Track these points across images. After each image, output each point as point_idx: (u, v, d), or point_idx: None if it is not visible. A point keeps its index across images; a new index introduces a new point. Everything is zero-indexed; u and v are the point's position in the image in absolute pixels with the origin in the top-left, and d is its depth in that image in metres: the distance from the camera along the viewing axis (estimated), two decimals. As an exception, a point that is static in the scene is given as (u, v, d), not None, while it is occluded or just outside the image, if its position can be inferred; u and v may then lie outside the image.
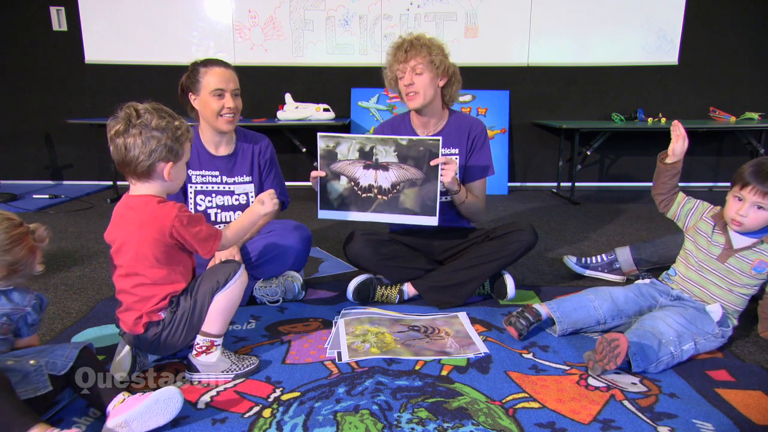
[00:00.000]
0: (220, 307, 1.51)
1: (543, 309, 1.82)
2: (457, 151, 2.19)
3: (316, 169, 1.99)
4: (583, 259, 2.47)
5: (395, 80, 2.16)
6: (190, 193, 2.12)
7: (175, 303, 1.51)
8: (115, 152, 1.45)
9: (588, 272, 2.44)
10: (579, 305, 1.80)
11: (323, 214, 2.03)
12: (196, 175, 2.11)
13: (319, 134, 1.97)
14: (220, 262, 1.62)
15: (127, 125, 1.43)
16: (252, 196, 2.18)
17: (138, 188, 1.50)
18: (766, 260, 1.69)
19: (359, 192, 1.99)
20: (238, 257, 2.00)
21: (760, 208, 1.64)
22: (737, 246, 1.73)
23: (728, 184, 1.74)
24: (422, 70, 2.05)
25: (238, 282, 1.53)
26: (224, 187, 2.14)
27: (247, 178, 2.17)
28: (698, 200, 1.87)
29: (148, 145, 1.42)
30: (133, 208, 1.49)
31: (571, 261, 2.48)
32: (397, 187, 1.97)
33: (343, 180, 1.99)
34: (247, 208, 2.16)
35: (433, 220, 1.96)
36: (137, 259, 1.47)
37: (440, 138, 1.92)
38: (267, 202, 1.67)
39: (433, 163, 1.92)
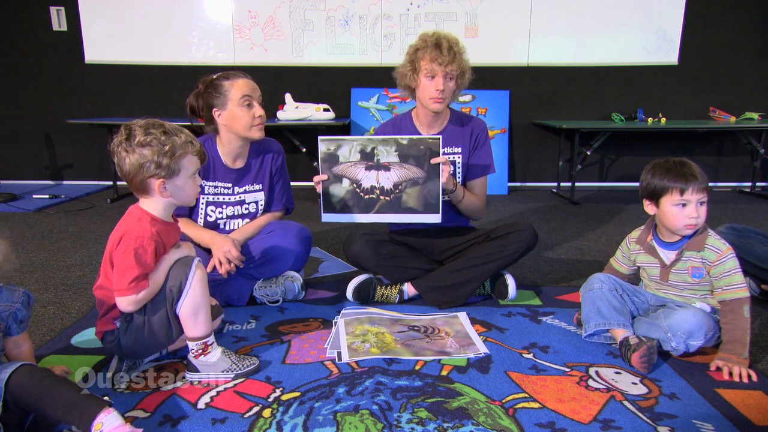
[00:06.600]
0: (189, 313, 1.50)
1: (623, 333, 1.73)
2: (459, 150, 2.19)
3: (317, 172, 1.98)
4: None
5: (414, 72, 2.07)
6: (201, 204, 2.09)
7: (128, 314, 1.51)
8: (116, 167, 1.50)
9: None
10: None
11: (327, 218, 2.03)
12: (209, 186, 2.09)
13: (319, 138, 1.97)
14: (172, 266, 1.52)
15: (120, 142, 1.46)
16: (261, 204, 2.18)
17: (142, 201, 1.52)
18: (696, 265, 1.70)
19: (362, 194, 1.99)
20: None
21: (701, 203, 1.66)
22: (668, 261, 1.75)
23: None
24: (453, 77, 2.04)
25: (195, 282, 1.50)
26: (235, 198, 2.13)
27: (258, 186, 2.16)
28: (618, 249, 1.91)
29: (136, 162, 1.44)
30: (125, 214, 1.53)
31: None
32: (399, 186, 1.97)
33: (345, 182, 1.99)
34: (255, 216, 2.17)
35: (436, 218, 1.97)
36: (105, 260, 1.50)
37: (440, 137, 1.93)
38: (183, 248, 1.59)
39: (433, 161, 1.93)
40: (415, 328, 1.91)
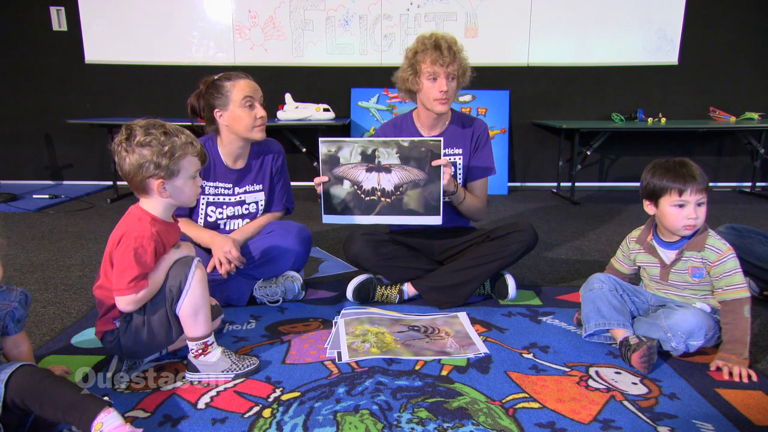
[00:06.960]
0: (189, 313, 1.50)
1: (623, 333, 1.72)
2: (460, 151, 2.19)
3: (318, 172, 1.98)
4: None
5: (416, 75, 2.06)
6: (201, 204, 2.09)
7: (128, 314, 1.51)
8: (117, 167, 1.51)
9: None
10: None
11: (328, 219, 2.03)
12: (210, 186, 2.09)
13: (320, 139, 1.96)
14: (171, 266, 1.52)
15: (120, 142, 1.46)
16: (261, 205, 2.18)
17: (142, 201, 1.52)
18: (696, 265, 1.70)
19: (363, 195, 1.99)
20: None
21: (700, 204, 1.66)
22: (668, 261, 1.75)
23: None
24: (455, 77, 2.05)
25: (195, 282, 1.50)
26: (236, 198, 2.13)
27: (258, 186, 2.16)
28: (619, 248, 1.90)
29: (136, 162, 1.44)
30: (125, 214, 1.53)
31: None
32: (400, 188, 1.97)
33: (346, 184, 1.99)
34: (255, 216, 2.17)
35: (437, 220, 1.97)
36: (105, 260, 1.50)
37: (441, 138, 1.93)
38: (183, 248, 1.58)
39: (434, 163, 1.93)
40: (415, 328, 1.91)
